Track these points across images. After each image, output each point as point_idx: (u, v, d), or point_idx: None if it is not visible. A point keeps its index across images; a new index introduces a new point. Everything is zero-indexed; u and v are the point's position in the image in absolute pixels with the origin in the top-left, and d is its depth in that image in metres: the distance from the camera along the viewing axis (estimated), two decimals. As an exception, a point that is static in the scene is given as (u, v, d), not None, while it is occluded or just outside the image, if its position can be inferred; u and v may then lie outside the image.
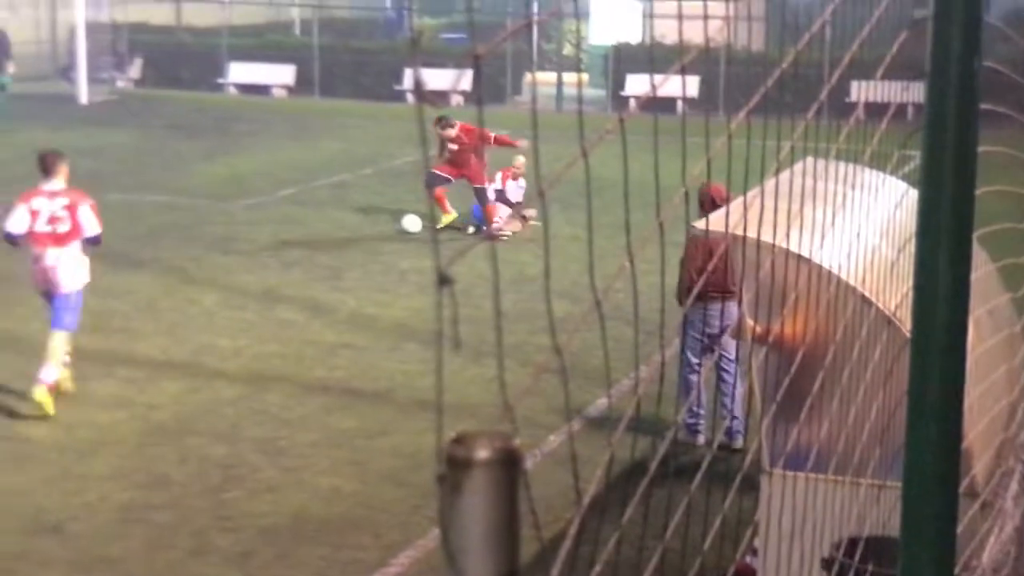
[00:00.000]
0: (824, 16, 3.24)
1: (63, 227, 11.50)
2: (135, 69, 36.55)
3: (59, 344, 11.34)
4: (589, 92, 35.20)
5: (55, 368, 11.25)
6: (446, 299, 1.52)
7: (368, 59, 34.72)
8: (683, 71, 2.32)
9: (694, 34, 2.69)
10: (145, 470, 10.12)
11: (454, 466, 1.49)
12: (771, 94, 2.78)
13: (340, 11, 42.09)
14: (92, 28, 34.28)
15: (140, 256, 16.83)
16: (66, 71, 35.30)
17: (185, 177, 22.30)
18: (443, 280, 1.52)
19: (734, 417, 10.48)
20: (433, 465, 1.55)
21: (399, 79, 33.94)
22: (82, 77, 32.72)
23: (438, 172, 18.09)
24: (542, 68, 36.49)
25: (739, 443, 10.34)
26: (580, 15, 36.81)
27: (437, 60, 31.61)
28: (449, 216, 18.51)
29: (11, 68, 29.96)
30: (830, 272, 5.36)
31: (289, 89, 35.39)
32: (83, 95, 32.41)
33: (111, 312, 14.22)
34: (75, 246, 11.56)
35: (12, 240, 11.63)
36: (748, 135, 2.86)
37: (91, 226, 11.65)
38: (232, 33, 36.58)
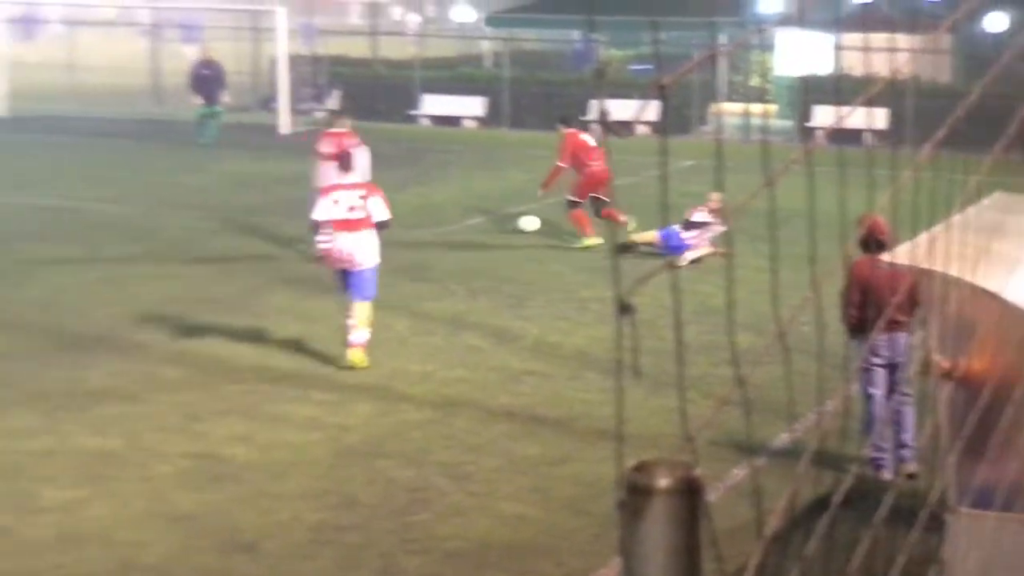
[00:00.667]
0: (1012, 49, 3.17)
1: (359, 214, 13.56)
2: (333, 100, 37.32)
3: (363, 311, 13.47)
4: (776, 123, 34.88)
5: (364, 331, 13.42)
6: (626, 327, 1.52)
7: (556, 91, 34.88)
8: (870, 103, 2.29)
9: (881, 67, 2.66)
10: (336, 491, 10.29)
11: (634, 493, 1.49)
12: (959, 128, 2.73)
13: (529, 44, 42.43)
14: (294, 61, 35.17)
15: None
16: (268, 102, 36.21)
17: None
18: (623, 308, 1.52)
19: (906, 446, 10.32)
20: (614, 494, 1.56)
21: (586, 110, 34.06)
22: (283, 108, 33.55)
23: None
24: (729, 99, 36.26)
25: (912, 467, 10.15)
26: (767, 47, 36.49)
27: (623, 91, 31.64)
28: (591, 240, 19.33)
29: (226, 98, 31.12)
30: (1020, 308, 5.22)
31: (479, 120, 35.77)
32: (283, 125, 33.21)
33: (308, 335, 14.53)
34: (369, 230, 13.58)
35: (317, 226, 13.60)
36: (935, 168, 2.81)
37: (381, 213, 13.75)
38: (425, 66, 37.14)
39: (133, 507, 9.88)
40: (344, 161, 14.21)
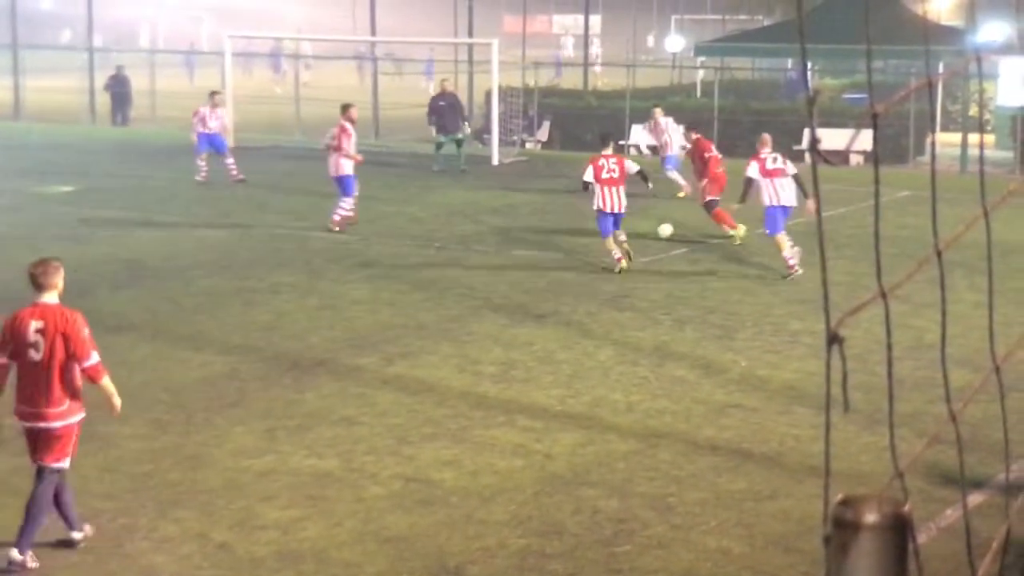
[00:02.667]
0: None
1: (615, 175, 19.29)
2: (543, 132, 37.64)
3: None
4: (995, 154, 33.91)
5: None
6: (836, 360, 1.52)
7: (768, 119, 34.51)
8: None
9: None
10: (540, 518, 10.35)
11: (841, 528, 1.48)
12: None
13: (742, 72, 42.14)
14: (505, 93, 35.57)
15: (541, 309, 17.29)
16: (481, 133, 36.68)
17: (583, 235, 22.77)
18: (832, 339, 1.52)
19: None
20: (821, 529, 1.55)
21: (799, 139, 33.66)
22: (495, 139, 33.94)
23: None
24: (946, 129, 35.42)
25: None
26: (988, 76, 35.56)
27: (836, 120, 31.17)
28: (737, 230, 21.56)
29: (467, 128, 33.07)
30: None
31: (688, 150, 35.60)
32: (495, 156, 33.59)
33: (513, 362, 14.68)
34: (621, 188, 19.37)
35: (587, 186, 19.53)
36: None
37: (632, 169, 19.76)
38: (635, 96, 37.18)
39: (347, 527, 10.10)
40: (606, 141, 20.21)
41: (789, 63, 42.81)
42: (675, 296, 18.23)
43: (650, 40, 73.90)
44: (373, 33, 42.71)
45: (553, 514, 10.43)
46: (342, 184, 23.29)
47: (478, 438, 12.16)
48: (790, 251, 19.08)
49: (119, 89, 42.90)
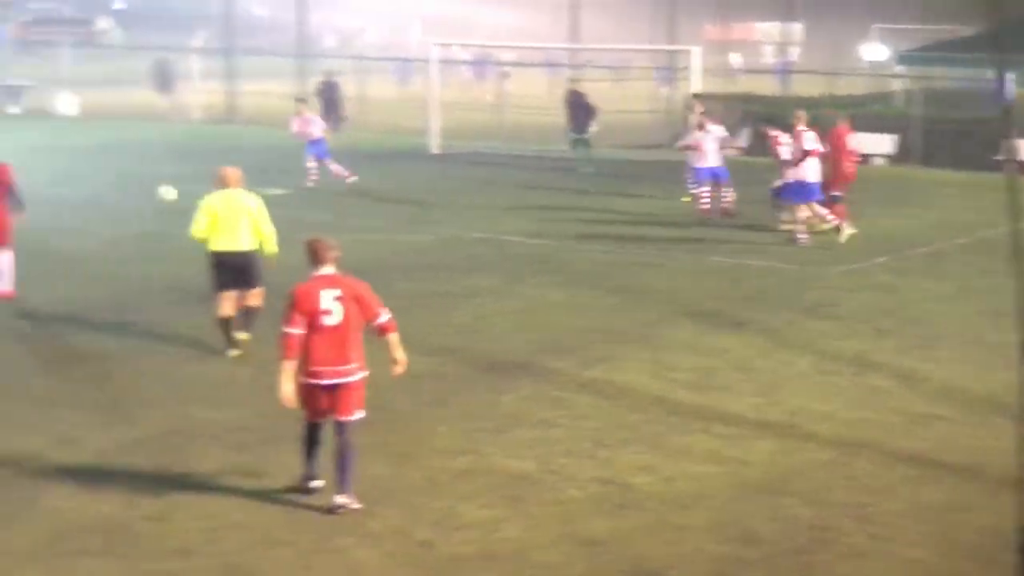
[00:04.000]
0: None
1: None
2: (743, 138, 37.32)
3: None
4: None
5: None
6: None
7: (971, 129, 33.68)
8: None
9: None
10: (736, 525, 10.30)
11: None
12: None
13: (942, 82, 41.14)
14: (704, 99, 35.35)
15: (739, 317, 17.17)
16: (677, 139, 36.55)
17: (782, 243, 22.53)
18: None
19: None
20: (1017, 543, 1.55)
21: (997, 150, 32.75)
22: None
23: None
24: None
25: None
26: None
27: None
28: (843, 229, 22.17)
29: (593, 128, 32.96)
30: None
31: (889, 158, 34.96)
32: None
33: (710, 369, 14.62)
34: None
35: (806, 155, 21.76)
36: None
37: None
38: (834, 103, 36.61)
39: (545, 529, 10.19)
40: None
41: (992, 73, 41.64)
42: (875, 305, 17.93)
43: (860, 50, 72.71)
44: (575, 40, 42.85)
45: (749, 521, 10.37)
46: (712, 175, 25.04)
47: (674, 444, 12.15)
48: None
49: (329, 95, 43.88)
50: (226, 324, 15.05)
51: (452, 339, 15.97)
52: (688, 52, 35.73)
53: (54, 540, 9.84)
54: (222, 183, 15.05)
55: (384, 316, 10.68)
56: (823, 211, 22.30)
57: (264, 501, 10.63)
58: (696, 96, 30.49)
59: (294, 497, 10.68)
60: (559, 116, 35.33)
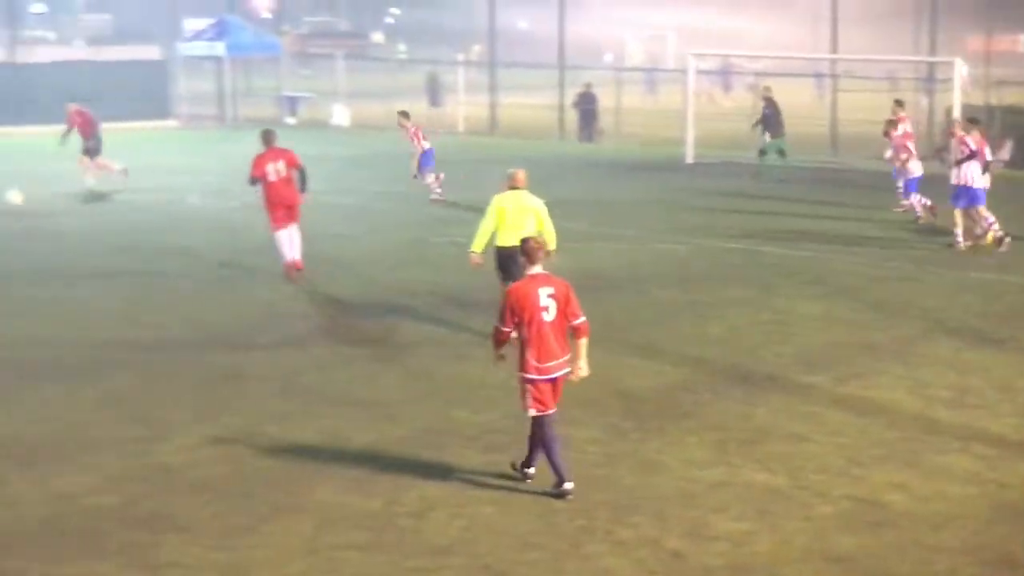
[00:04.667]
0: None
1: None
2: (1005, 151, 36.03)
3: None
4: None
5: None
6: None
7: None
8: None
9: None
10: (994, 548, 9.94)
11: None
12: None
13: None
14: (967, 111, 34.26)
15: (998, 334, 16.58)
16: (939, 151, 35.52)
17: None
18: None
19: None
20: None
21: None
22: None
23: None
24: None
25: None
26: None
27: None
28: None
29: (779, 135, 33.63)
30: None
31: None
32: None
33: (969, 388, 14.17)
34: None
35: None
36: None
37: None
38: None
39: (796, 544, 10.03)
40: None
41: None
42: None
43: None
44: (834, 51, 42.09)
45: (1007, 545, 10.00)
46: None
47: (930, 463, 11.81)
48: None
49: (587, 106, 44.16)
50: None
51: (704, 350, 15.87)
52: (950, 64, 34.63)
53: (322, 533, 10.16)
54: (512, 183, 15.83)
55: (582, 318, 11.02)
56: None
57: (518, 503, 10.76)
58: (968, 120, 29.73)
59: (546, 501, 10.78)
60: (821, 126, 34.84)
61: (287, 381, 14.42)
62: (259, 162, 19.53)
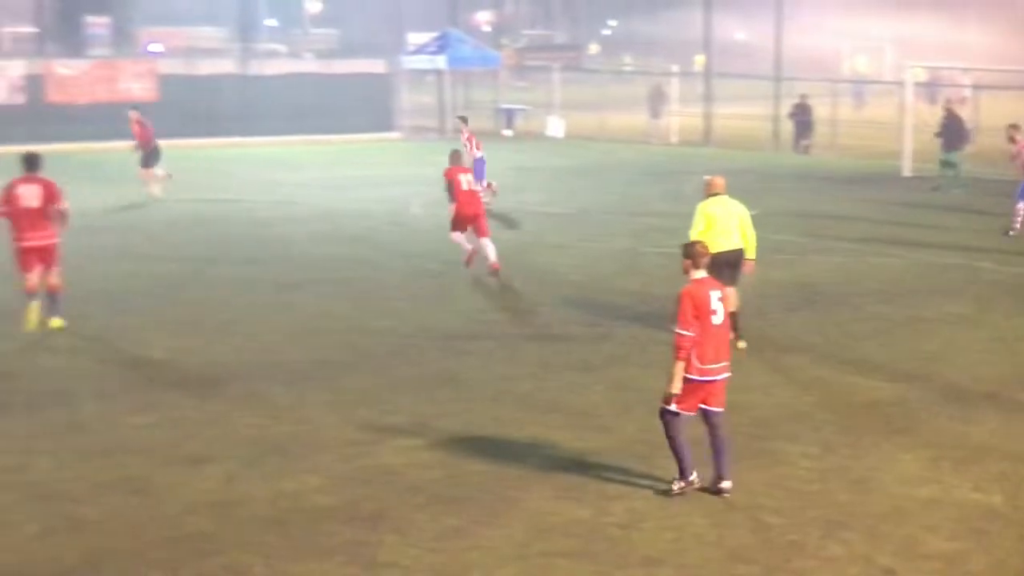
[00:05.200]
0: None
1: None
2: None
3: None
4: None
5: None
6: None
7: None
8: None
9: None
10: None
11: None
12: None
13: None
14: None
15: None
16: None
17: None
18: None
19: None
20: None
21: None
22: None
23: None
24: None
25: None
26: None
27: None
28: None
29: (967, 148, 33.79)
30: None
31: None
32: None
33: None
34: None
35: None
36: None
37: None
38: None
39: (1010, 565, 9.71)
40: None
41: None
42: None
43: None
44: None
45: None
46: None
47: None
48: None
49: (802, 117, 43.53)
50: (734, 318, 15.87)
51: (920, 366, 15.47)
52: None
53: (532, 539, 10.23)
54: (712, 190, 16.10)
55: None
56: None
57: (729, 516, 10.65)
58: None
59: (758, 514, 10.65)
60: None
61: (500, 387, 14.57)
62: (451, 173, 21.11)
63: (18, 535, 10.15)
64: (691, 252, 11.18)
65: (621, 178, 35.80)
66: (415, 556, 9.89)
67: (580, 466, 11.82)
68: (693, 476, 11.10)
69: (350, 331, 17.32)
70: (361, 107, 46.84)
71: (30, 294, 17.11)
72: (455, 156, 21.69)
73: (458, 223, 21.10)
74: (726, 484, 11.05)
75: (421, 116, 50.75)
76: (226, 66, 49.70)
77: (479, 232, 20.96)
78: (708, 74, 48.68)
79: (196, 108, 44.36)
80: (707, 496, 11.05)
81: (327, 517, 10.65)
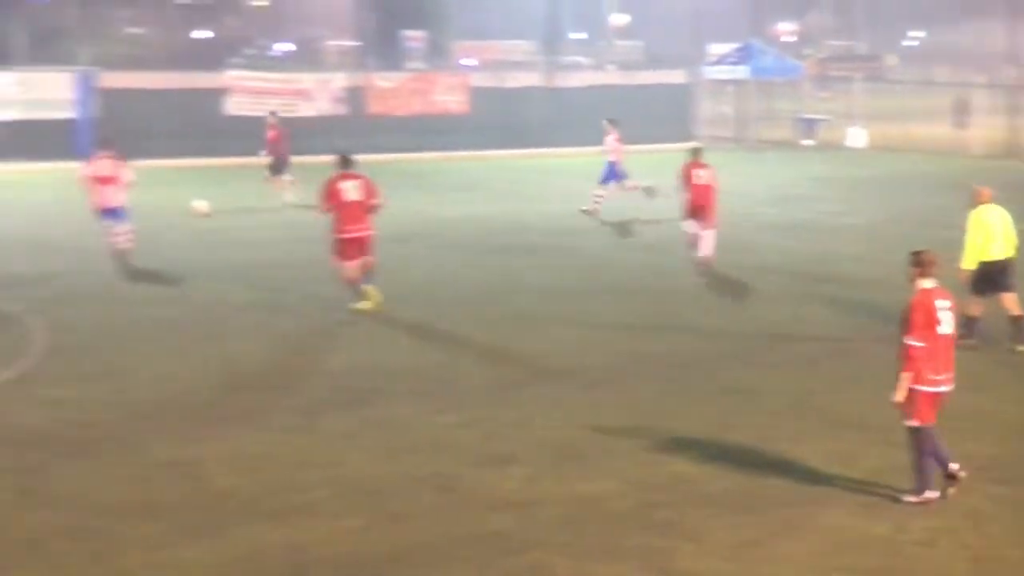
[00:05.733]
0: None
1: None
2: None
3: None
4: None
5: None
6: None
7: None
8: None
9: None
10: None
11: None
12: None
13: None
14: None
15: None
16: None
17: None
18: None
19: None
20: None
21: None
22: None
23: None
24: None
25: None
26: None
27: None
28: None
29: None
30: None
31: None
32: None
33: None
34: None
35: None
36: None
37: None
38: None
39: None
40: None
41: None
42: None
43: None
44: None
45: None
46: None
47: None
48: None
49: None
50: (972, 322, 16.14)
51: None
52: None
53: (829, 555, 10.03)
54: (980, 199, 16.50)
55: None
56: None
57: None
58: None
59: (1062, 541, 10.18)
60: None
61: (798, 400, 14.35)
62: (688, 168, 22.43)
63: (339, 527, 10.60)
64: (920, 261, 10.94)
65: (920, 189, 34.69)
66: (711, 565, 9.86)
67: (877, 483, 11.53)
68: (934, 494, 10.88)
69: (643, 339, 17.34)
70: (661, 117, 46.85)
71: (350, 283, 18.40)
72: (696, 152, 22.89)
73: (690, 212, 22.11)
74: (954, 466, 10.94)
75: (719, 126, 50.41)
76: (533, 79, 50.57)
77: (705, 223, 21.80)
78: (1014, 85, 46.61)
79: (504, 120, 45.29)
80: (1006, 517, 10.60)
81: (622, 521, 10.73)
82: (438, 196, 32.96)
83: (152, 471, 11.92)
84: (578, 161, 43.83)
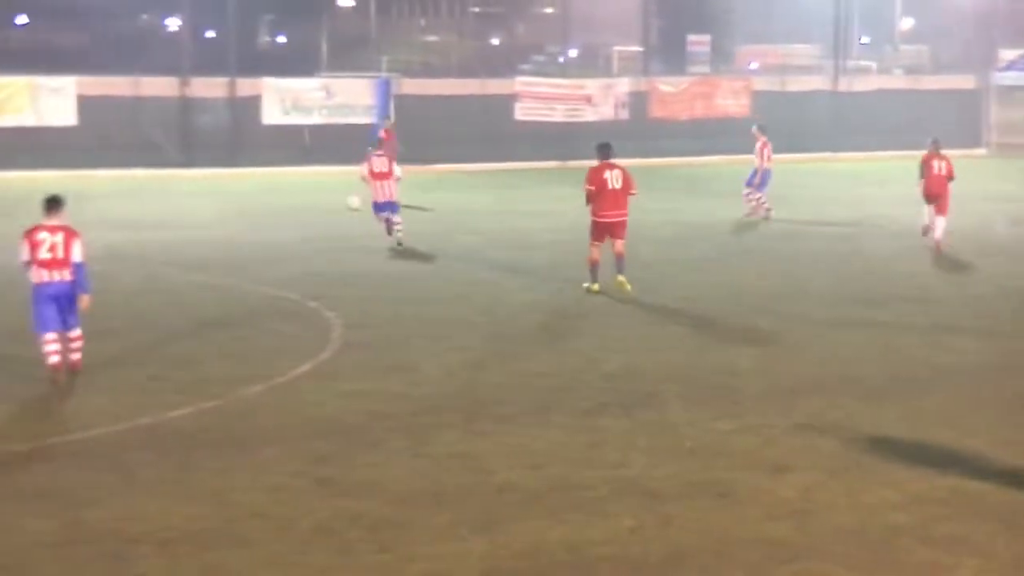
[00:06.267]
0: None
1: None
2: None
3: None
4: None
5: None
6: None
7: None
8: None
9: None
10: None
11: None
12: None
13: None
14: None
15: None
16: None
17: None
18: None
19: None
20: None
21: None
22: None
23: None
24: None
25: None
26: None
27: None
28: None
29: None
30: None
31: None
32: None
33: None
34: None
35: None
36: None
37: None
38: None
39: None
40: None
41: None
42: None
43: None
44: None
45: None
46: None
47: None
48: None
49: None
50: None
51: None
52: None
53: None
54: None
55: None
56: None
57: None
58: None
59: None
60: None
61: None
62: (928, 158, 24.67)
63: (616, 527, 10.59)
64: None
65: None
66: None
67: None
68: None
69: (929, 350, 16.76)
70: (949, 123, 45.17)
71: (593, 264, 20.23)
72: (934, 144, 24.83)
73: (926, 199, 24.55)
74: None
75: (1011, 133, 48.22)
76: (817, 83, 49.53)
77: (938, 209, 24.24)
78: None
79: (786, 123, 44.54)
80: None
81: (904, 534, 10.37)
82: (717, 200, 32.65)
83: (439, 463, 12.19)
84: (863, 167, 42.76)
